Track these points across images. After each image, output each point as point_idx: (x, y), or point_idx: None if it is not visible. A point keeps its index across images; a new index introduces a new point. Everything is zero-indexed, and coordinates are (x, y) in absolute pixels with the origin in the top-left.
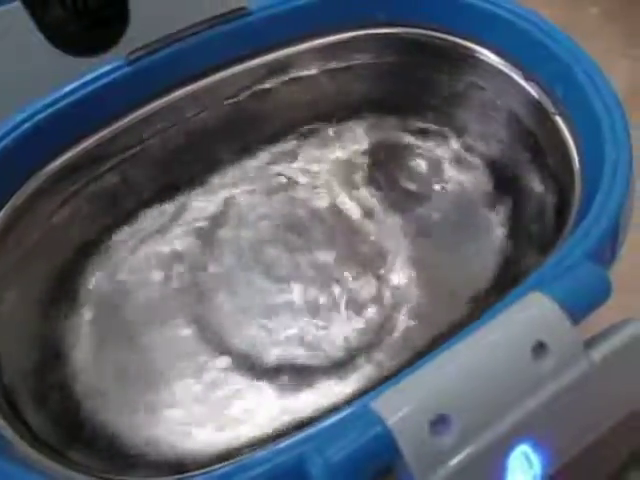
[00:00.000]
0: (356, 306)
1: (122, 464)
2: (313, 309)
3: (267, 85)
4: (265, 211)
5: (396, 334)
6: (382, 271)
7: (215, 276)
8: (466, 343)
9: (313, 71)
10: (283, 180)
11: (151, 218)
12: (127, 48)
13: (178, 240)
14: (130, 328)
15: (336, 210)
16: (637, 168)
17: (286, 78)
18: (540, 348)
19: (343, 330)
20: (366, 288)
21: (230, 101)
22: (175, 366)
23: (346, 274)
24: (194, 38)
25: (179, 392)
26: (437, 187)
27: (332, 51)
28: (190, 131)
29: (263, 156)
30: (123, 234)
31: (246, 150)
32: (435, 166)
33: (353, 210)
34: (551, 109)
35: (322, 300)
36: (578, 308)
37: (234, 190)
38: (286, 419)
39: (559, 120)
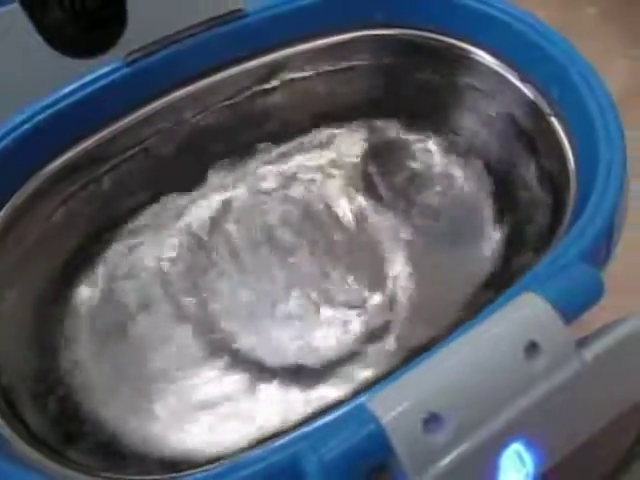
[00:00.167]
0: (353, 307)
1: (119, 463)
2: (309, 309)
3: (264, 86)
4: (263, 212)
5: (393, 334)
6: (379, 272)
7: (213, 277)
8: (459, 343)
9: (310, 72)
10: (281, 181)
11: (150, 218)
12: (125, 50)
13: (177, 240)
14: (129, 328)
15: (333, 211)
16: (636, 168)
17: (283, 79)
18: (532, 348)
19: (340, 330)
20: (363, 289)
21: (228, 102)
22: (173, 366)
23: (343, 275)
24: (192, 40)
25: (176, 392)
26: (433, 188)
27: (329, 52)
28: (188, 132)
29: (261, 157)
30: (122, 234)
31: (244, 151)
32: (431, 167)
33: (350, 211)
34: (547, 110)
35: (318, 300)
36: (571, 308)
37: (232, 191)
38: (282, 419)
39: (554, 121)
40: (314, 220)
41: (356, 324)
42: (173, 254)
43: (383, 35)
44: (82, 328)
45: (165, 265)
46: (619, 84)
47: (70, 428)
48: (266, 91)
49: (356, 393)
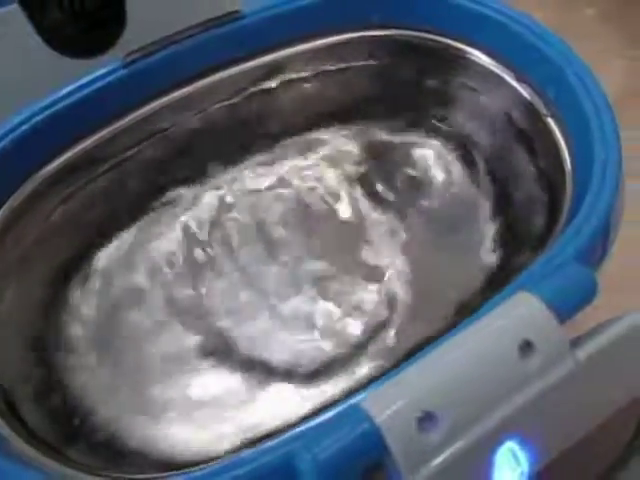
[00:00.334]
0: (349, 307)
1: (118, 461)
2: (306, 308)
3: (262, 87)
4: (261, 212)
5: (389, 334)
6: (376, 271)
7: (212, 275)
8: (454, 342)
9: (308, 73)
10: (279, 181)
11: (149, 218)
12: (124, 50)
13: (176, 240)
14: (128, 327)
15: (331, 211)
16: (636, 168)
17: (281, 80)
18: (527, 347)
19: (335, 331)
20: (359, 290)
21: (226, 103)
22: (171, 365)
23: (340, 273)
24: (190, 41)
25: (174, 391)
26: (430, 188)
27: (327, 53)
28: (187, 132)
29: (259, 157)
30: (121, 235)
31: (242, 151)
32: (428, 167)
33: (348, 211)
34: (543, 111)
35: (315, 299)
36: (565, 308)
37: (231, 191)
38: (277, 418)
39: (551, 122)
40: (312, 219)
41: (352, 323)
42: (172, 254)
43: (380, 36)
44: (81, 328)
45: (165, 265)
46: (617, 84)
47: (69, 427)
48: (264, 91)
49: (352, 392)
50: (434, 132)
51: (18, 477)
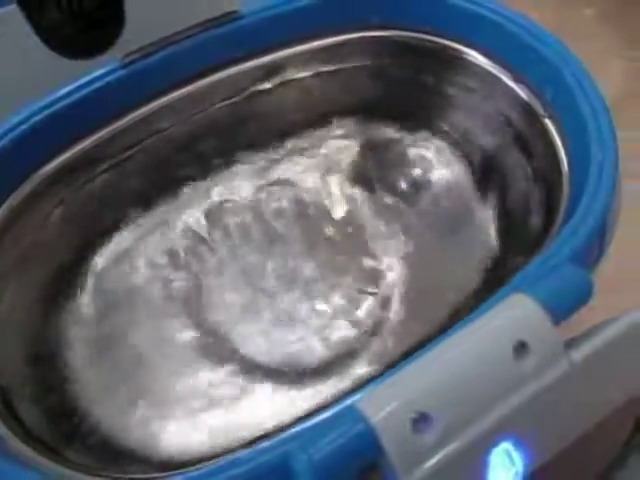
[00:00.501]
0: (345, 307)
1: (115, 462)
2: (302, 308)
3: (261, 87)
4: (259, 212)
5: (385, 335)
6: (373, 271)
7: (210, 275)
8: (449, 343)
9: (306, 74)
10: (278, 181)
11: (147, 219)
12: (123, 50)
13: (175, 240)
14: (127, 328)
15: (328, 210)
16: (634, 168)
17: (279, 81)
18: (521, 348)
19: (332, 329)
20: (356, 290)
21: (225, 103)
22: (168, 366)
23: (337, 273)
24: (188, 41)
25: (172, 391)
26: (427, 188)
27: (325, 54)
28: (186, 133)
29: (257, 158)
30: (120, 235)
31: (240, 152)
32: (425, 168)
33: (345, 211)
34: (540, 112)
35: (311, 299)
36: (560, 309)
37: (229, 191)
38: (273, 418)
39: (548, 122)
40: (310, 219)
41: (349, 323)
42: (171, 254)
43: (378, 37)
44: (80, 328)
45: (163, 264)
46: (615, 85)
47: (67, 427)
48: (263, 92)
49: (348, 393)
50: (432, 132)
51: (16, 477)
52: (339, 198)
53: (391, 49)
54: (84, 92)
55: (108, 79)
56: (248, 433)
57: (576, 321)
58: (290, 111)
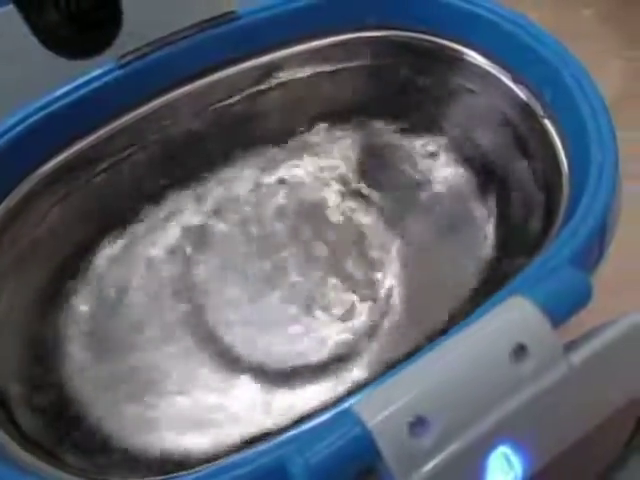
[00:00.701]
0: (344, 309)
1: (112, 465)
2: (299, 311)
3: (258, 88)
4: (257, 213)
5: (382, 337)
6: (371, 274)
7: (208, 276)
8: (447, 346)
9: (304, 74)
10: (276, 182)
11: (146, 219)
12: (121, 51)
13: (173, 241)
14: (125, 329)
15: (326, 212)
16: (633, 170)
17: (278, 81)
18: (520, 351)
19: (330, 333)
20: (354, 291)
21: (222, 104)
22: (165, 369)
23: (335, 276)
24: (185, 41)
25: (170, 395)
26: (426, 188)
27: (323, 54)
28: (183, 133)
29: (255, 158)
30: (118, 235)
31: (238, 153)
32: (424, 168)
33: (343, 212)
34: (540, 112)
35: (309, 302)
36: (559, 312)
37: (228, 192)
38: (269, 421)
39: (547, 123)
40: (307, 221)
41: (346, 326)
42: (169, 253)
43: (376, 37)
44: (77, 330)
45: (162, 264)
46: (614, 85)
47: (64, 430)
48: (260, 92)
49: (345, 396)
50: (430, 133)
51: None
52: (338, 199)
53: (389, 49)
54: (81, 92)
55: (105, 79)
56: (244, 436)
57: (575, 324)
58: (288, 112)
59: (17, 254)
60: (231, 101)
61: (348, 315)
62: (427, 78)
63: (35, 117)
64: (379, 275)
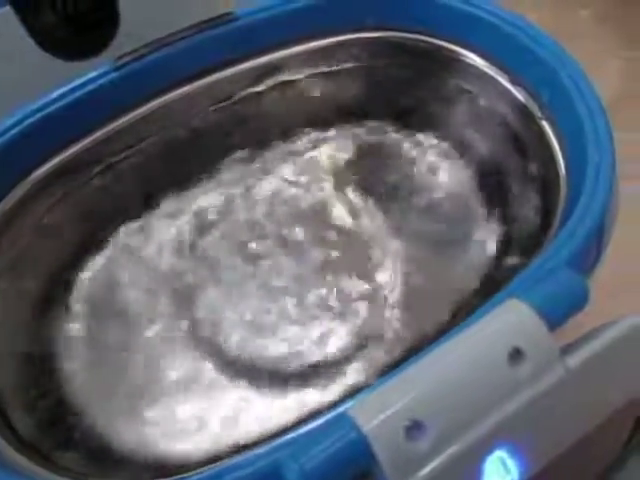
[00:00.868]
0: (341, 312)
1: (109, 468)
2: (298, 313)
3: (256, 89)
4: (255, 214)
5: (378, 342)
6: (370, 275)
7: (206, 277)
8: (443, 349)
9: (302, 75)
10: (274, 182)
11: (143, 221)
12: (118, 52)
13: (171, 242)
14: (122, 332)
15: (325, 213)
16: (630, 170)
17: (276, 82)
18: (517, 354)
19: (324, 338)
20: (351, 295)
21: (220, 105)
22: (163, 372)
23: (333, 278)
24: (183, 42)
25: (167, 398)
26: (424, 190)
27: (321, 55)
28: (180, 134)
29: (252, 159)
30: (115, 237)
31: (235, 153)
32: (422, 169)
33: (341, 212)
34: (537, 113)
35: (308, 304)
36: (555, 315)
37: (226, 193)
38: (265, 427)
39: (545, 124)
40: (306, 222)
41: (344, 329)
42: (167, 254)
43: (374, 38)
44: (75, 333)
45: (159, 266)
46: (612, 86)
47: (61, 434)
48: (258, 93)
49: (340, 400)
50: (428, 134)
51: None
52: (336, 200)
53: (387, 50)
54: (78, 94)
55: (102, 81)
56: (239, 440)
57: (573, 326)
58: (286, 113)
59: (14, 256)
60: (229, 102)
61: (344, 318)
62: (425, 79)
63: (32, 119)
64: (378, 277)
